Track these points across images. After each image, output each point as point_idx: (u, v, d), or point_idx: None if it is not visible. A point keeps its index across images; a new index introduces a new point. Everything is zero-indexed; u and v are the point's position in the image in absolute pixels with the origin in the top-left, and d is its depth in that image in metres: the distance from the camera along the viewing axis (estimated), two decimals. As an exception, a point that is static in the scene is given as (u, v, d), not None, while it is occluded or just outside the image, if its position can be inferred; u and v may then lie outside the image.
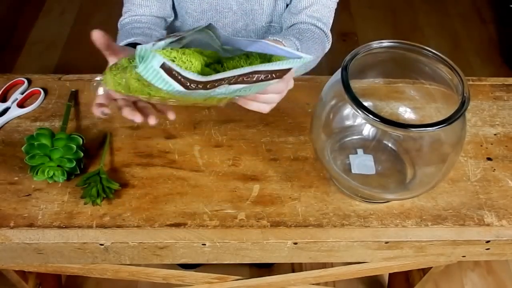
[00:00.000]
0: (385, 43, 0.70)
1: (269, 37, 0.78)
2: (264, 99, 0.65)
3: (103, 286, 1.46)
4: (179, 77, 0.52)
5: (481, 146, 0.86)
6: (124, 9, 0.94)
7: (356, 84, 0.67)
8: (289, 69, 0.59)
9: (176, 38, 0.57)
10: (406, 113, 0.81)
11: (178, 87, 0.53)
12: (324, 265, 1.19)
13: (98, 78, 0.62)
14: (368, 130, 0.76)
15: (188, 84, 0.53)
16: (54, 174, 0.76)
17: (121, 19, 0.93)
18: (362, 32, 2.35)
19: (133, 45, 0.80)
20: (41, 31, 2.32)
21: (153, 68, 0.51)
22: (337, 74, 0.68)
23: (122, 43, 0.82)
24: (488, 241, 0.75)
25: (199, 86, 0.54)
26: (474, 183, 0.81)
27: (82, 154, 0.78)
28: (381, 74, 0.80)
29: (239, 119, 0.88)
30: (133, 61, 0.58)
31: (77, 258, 0.77)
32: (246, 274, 1.47)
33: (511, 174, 0.82)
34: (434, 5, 2.51)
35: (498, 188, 0.80)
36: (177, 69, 0.52)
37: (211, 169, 0.81)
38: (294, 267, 1.46)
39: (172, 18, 0.98)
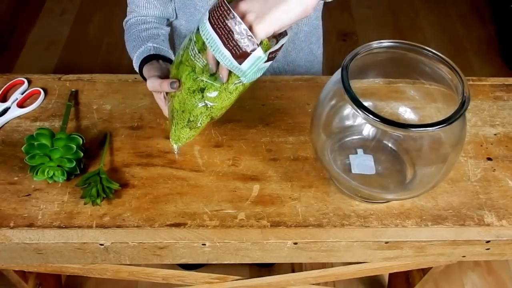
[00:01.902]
0: (385, 43, 0.70)
1: None
2: None
3: (103, 286, 1.46)
4: (273, 55, 0.65)
5: (481, 146, 0.86)
6: (128, 9, 0.97)
7: (356, 84, 0.67)
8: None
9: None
10: (406, 113, 0.81)
11: (268, 64, 0.66)
12: (324, 265, 1.19)
13: (175, 149, 0.79)
14: (368, 130, 0.76)
15: (273, 55, 0.65)
16: (54, 174, 0.76)
17: (126, 19, 0.97)
18: (362, 32, 2.35)
19: (147, 58, 0.84)
20: (41, 31, 2.32)
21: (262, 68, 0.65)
22: (337, 74, 0.68)
23: (136, 56, 0.86)
24: (488, 241, 0.75)
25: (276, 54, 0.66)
26: (474, 183, 0.81)
27: (82, 154, 0.78)
28: (381, 74, 0.79)
29: (239, 119, 0.88)
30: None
31: (77, 258, 0.77)
32: (246, 274, 1.47)
33: (511, 174, 0.82)
34: (434, 5, 2.51)
35: (498, 188, 0.80)
36: (276, 48, 0.64)
37: (211, 169, 0.81)
38: (294, 267, 1.46)
39: (174, 19, 1.01)
